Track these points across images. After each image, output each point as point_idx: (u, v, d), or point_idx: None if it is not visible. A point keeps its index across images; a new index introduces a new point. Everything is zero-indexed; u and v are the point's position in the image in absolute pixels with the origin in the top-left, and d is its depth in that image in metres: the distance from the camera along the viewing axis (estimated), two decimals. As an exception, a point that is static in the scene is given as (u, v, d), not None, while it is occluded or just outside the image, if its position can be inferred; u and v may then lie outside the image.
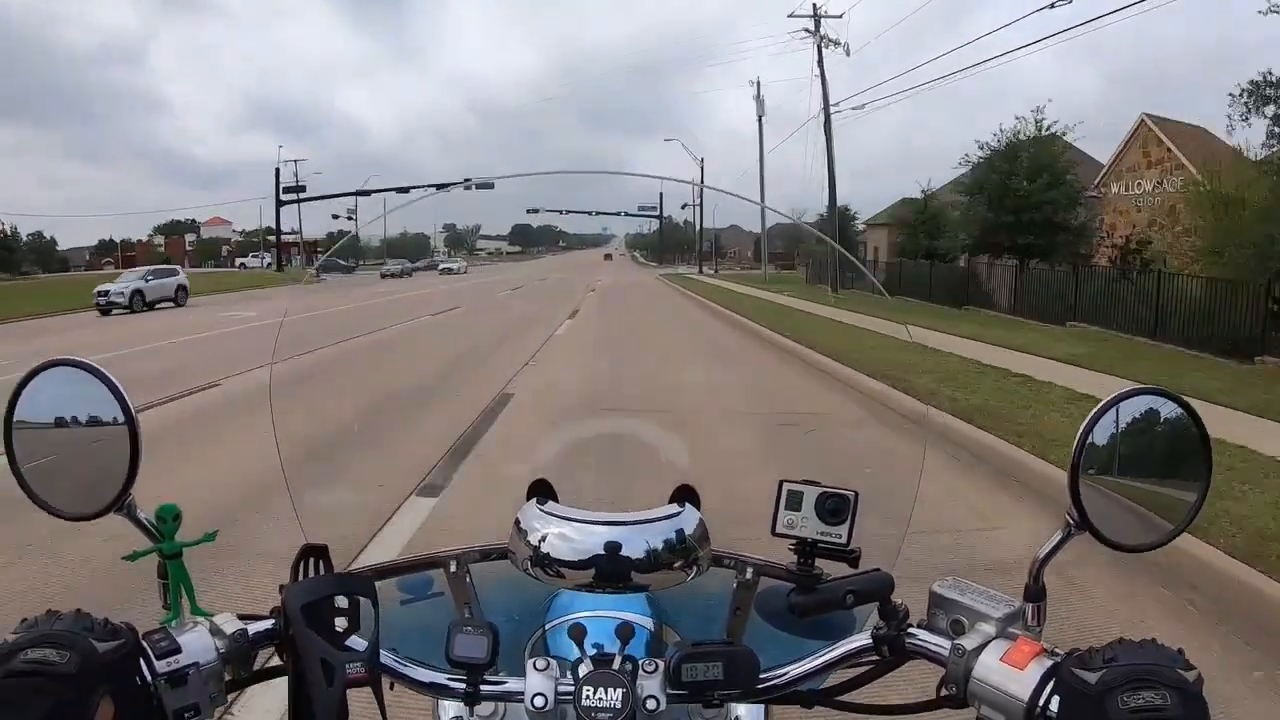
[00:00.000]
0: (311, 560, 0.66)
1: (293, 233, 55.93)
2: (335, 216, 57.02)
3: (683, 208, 57.00)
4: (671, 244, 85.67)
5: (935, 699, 0.63)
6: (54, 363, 0.67)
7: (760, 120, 26.75)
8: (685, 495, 0.75)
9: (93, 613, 0.56)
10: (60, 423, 0.67)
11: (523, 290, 13.14)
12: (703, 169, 43.41)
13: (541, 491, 0.75)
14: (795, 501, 0.71)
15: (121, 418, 0.65)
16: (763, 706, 0.77)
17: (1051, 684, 0.56)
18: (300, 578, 0.65)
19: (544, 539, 0.69)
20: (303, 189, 48.61)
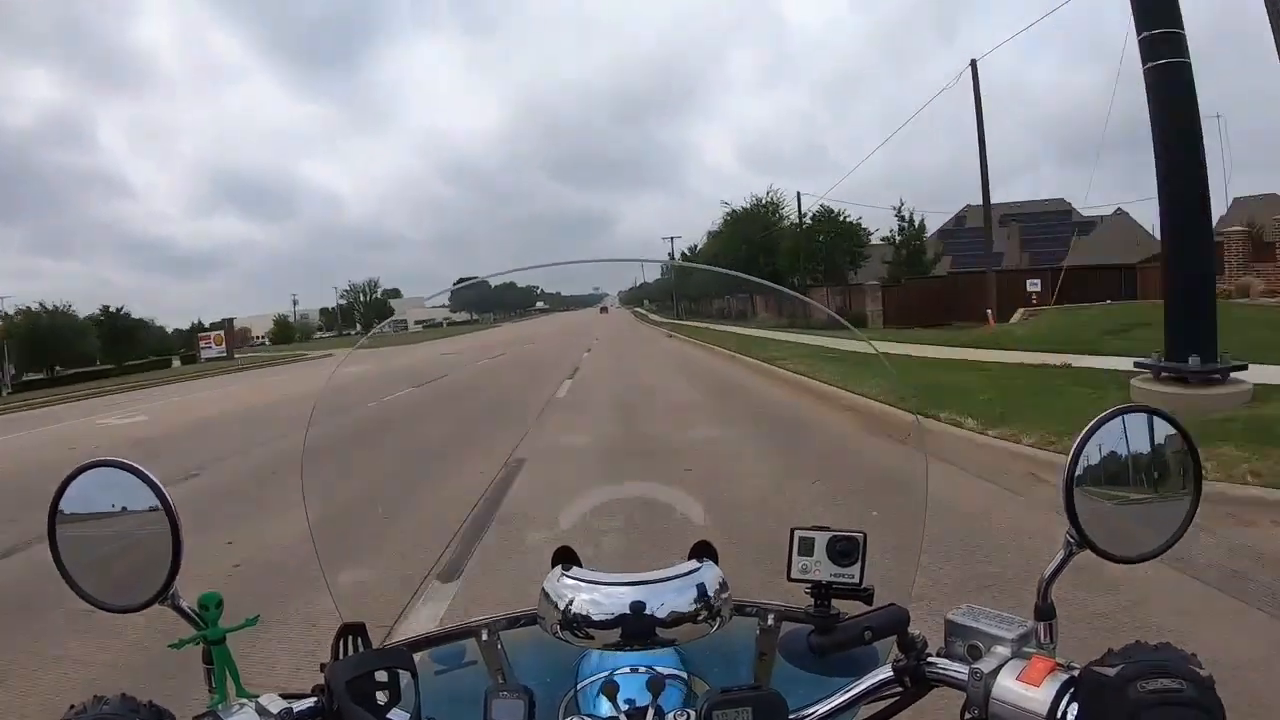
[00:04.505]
0: (350, 638, 0.86)
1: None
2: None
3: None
4: (665, 294, 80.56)
5: None
6: (95, 463, 0.86)
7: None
8: (704, 551, 0.95)
9: (138, 696, 0.73)
10: (103, 520, 0.87)
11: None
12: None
13: (565, 558, 0.95)
14: (807, 547, 0.91)
15: (163, 513, 0.85)
16: None
17: (1068, 696, 0.73)
18: (340, 656, 0.85)
19: (570, 603, 0.88)
20: None
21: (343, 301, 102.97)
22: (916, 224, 41.44)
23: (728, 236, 51.33)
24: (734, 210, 51.58)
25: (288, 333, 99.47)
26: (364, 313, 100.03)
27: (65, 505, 0.87)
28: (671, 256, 62.52)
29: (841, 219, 44.34)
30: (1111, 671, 0.69)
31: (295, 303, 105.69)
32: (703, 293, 63.85)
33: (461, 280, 1.20)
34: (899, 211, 41.27)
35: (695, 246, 69.33)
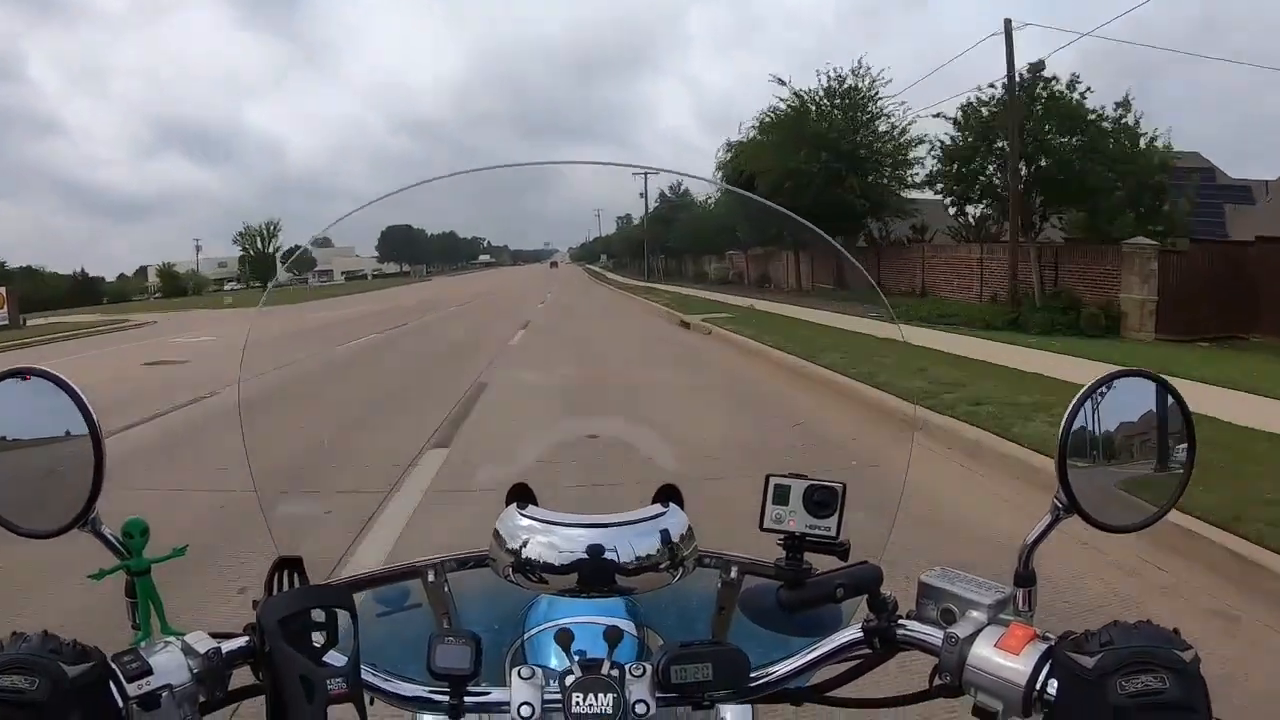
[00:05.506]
0: (285, 573, 0.83)
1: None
2: None
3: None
4: (627, 248, 57.83)
5: (929, 689, 0.81)
6: (11, 372, 0.82)
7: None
8: (669, 495, 0.94)
9: (60, 634, 0.70)
10: (20, 435, 0.83)
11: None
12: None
13: (521, 496, 0.94)
14: (782, 495, 0.90)
15: (85, 429, 0.81)
16: (749, 706, 0.96)
17: (1048, 667, 0.73)
18: (275, 592, 0.83)
19: (525, 544, 0.87)
20: None
21: (238, 248, 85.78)
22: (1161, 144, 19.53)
23: (779, 144, 27.27)
24: (798, 97, 27.81)
25: (177, 284, 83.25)
26: (263, 262, 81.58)
27: None
28: (644, 198, 43.79)
29: (1076, 99, 19.80)
30: (1090, 663, 0.69)
31: (198, 249, 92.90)
32: (688, 246, 44.06)
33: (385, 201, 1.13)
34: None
35: (678, 186, 47.59)
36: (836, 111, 27.77)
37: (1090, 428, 0.87)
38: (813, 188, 25.21)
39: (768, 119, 29.32)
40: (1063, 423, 0.85)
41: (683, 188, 48.28)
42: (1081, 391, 0.86)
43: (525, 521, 0.90)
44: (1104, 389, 0.87)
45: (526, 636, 0.99)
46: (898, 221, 28.86)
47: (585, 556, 0.86)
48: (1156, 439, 0.89)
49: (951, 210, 24.53)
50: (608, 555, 0.87)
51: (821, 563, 0.91)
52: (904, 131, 26.88)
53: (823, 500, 0.90)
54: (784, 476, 0.92)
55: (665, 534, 0.90)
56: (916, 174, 26.66)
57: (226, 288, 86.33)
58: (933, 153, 22.25)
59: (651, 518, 0.91)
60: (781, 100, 28.50)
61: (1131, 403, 0.89)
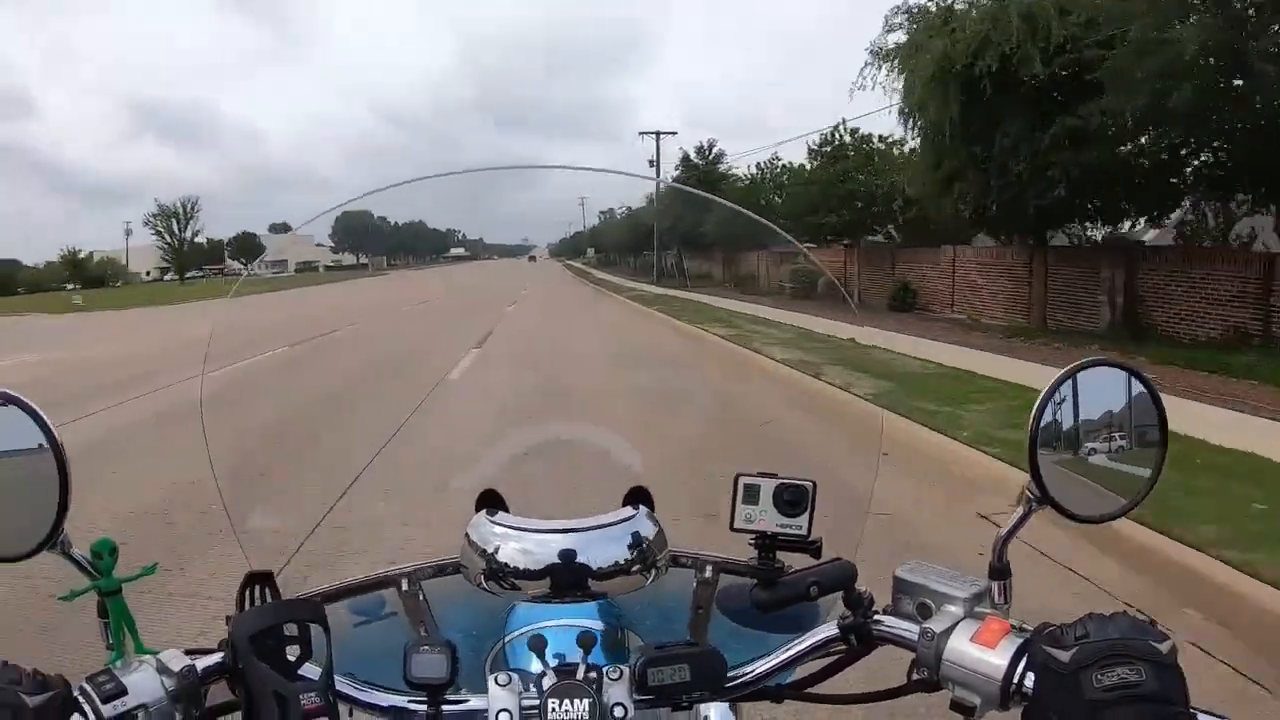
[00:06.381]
0: (257, 587, 0.84)
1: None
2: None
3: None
4: (624, 239, 45.90)
5: (908, 684, 0.84)
6: None
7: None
8: (639, 497, 0.95)
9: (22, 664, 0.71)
10: None
11: None
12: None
13: (490, 502, 0.95)
14: (752, 495, 0.92)
15: (47, 447, 0.81)
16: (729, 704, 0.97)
17: (1024, 661, 0.74)
18: (246, 606, 0.84)
19: (496, 551, 0.88)
20: None
21: (150, 231, 72.99)
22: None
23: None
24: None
25: (85, 273, 70.15)
26: (177, 249, 71.74)
27: None
28: (654, 164, 35.21)
29: None
30: (1065, 657, 0.70)
31: (129, 233, 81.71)
32: (728, 235, 29.02)
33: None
34: None
35: (708, 149, 35.25)
36: None
37: (1062, 419, 0.88)
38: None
39: None
40: (1032, 413, 0.86)
41: (714, 150, 34.77)
42: (1052, 382, 0.87)
43: (496, 529, 0.91)
44: (1075, 379, 0.88)
45: (505, 642, 1.01)
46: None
47: (557, 561, 0.88)
48: (1130, 429, 0.90)
49: None
50: (580, 560, 0.88)
51: (796, 560, 0.93)
52: None
53: (793, 499, 0.92)
54: (754, 476, 0.93)
55: (636, 536, 0.91)
56: None
57: (167, 278, 75.68)
58: None
59: (621, 520, 0.92)
60: None
61: (1103, 393, 0.90)
